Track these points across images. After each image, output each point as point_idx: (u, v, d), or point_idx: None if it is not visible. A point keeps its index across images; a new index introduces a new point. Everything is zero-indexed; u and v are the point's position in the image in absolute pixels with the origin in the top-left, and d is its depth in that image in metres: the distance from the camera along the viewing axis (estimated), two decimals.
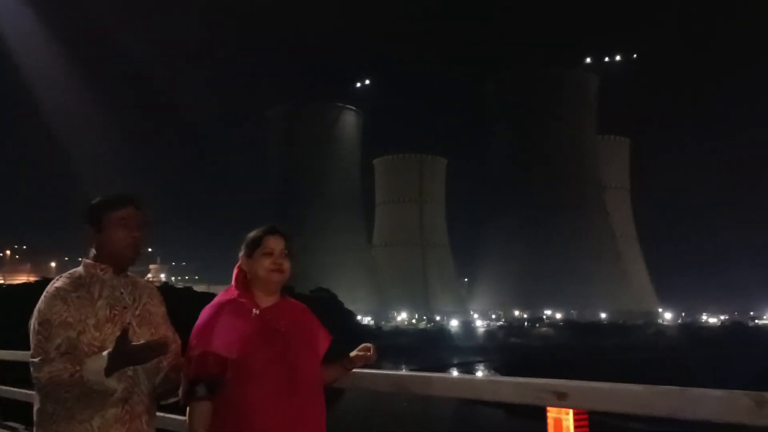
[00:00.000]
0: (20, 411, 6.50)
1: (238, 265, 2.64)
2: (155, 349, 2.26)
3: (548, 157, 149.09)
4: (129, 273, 2.61)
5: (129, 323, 2.43)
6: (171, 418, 3.89)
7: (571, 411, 2.30)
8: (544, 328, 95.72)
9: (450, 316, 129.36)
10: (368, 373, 2.87)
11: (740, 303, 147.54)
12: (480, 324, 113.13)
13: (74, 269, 2.50)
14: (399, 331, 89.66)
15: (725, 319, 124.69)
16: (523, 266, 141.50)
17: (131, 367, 2.36)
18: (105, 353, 2.18)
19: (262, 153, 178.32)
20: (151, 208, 2.64)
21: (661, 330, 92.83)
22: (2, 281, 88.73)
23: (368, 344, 2.81)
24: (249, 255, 2.60)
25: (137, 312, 2.51)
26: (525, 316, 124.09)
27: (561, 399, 2.24)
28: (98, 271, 2.48)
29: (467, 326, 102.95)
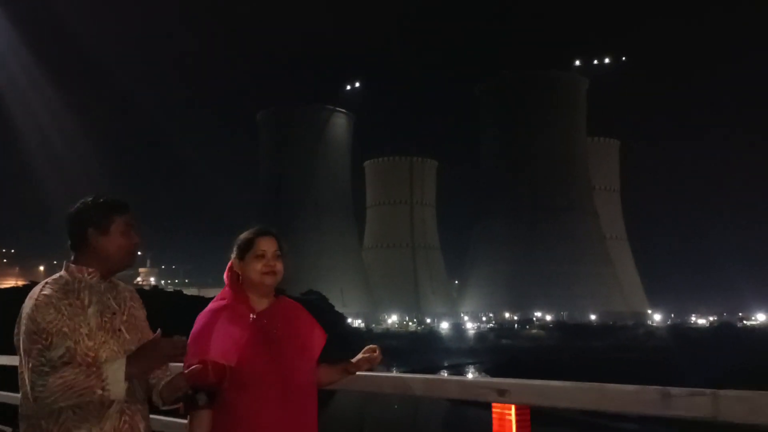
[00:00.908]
0: (8, 414, 6.46)
1: (228, 267, 2.61)
2: (175, 349, 2.25)
3: (538, 159, 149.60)
4: (112, 278, 2.53)
5: (120, 330, 2.38)
6: (167, 421, 3.89)
7: (513, 406, 2.53)
8: (534, 330, 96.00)
9: (441, 318, 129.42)
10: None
11: (729, 304, 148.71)
12: (470, 326, 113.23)
13: (58, 274, 2.40)
14: (389, 334, 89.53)
15: (714, 320, 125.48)
16: (513, 268, 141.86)
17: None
18: (123, 360, 2.17)
19: (252, 156, 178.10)
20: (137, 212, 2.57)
21: (651, 331, 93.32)
22: None
23: (373, 345, 2.78)
24: (241, 257, 2.57)
25: (125, 317, 2.44)
26: (515, 317, 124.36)
27: (501, 396, 2.47)
28: (85, 275, 2.39)
29: (458, 328, 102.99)
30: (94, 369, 2.15)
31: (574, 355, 52.76)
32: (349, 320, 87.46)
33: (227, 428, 2.38)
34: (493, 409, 2.60)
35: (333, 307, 65.41)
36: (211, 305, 2.55)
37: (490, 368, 52.77)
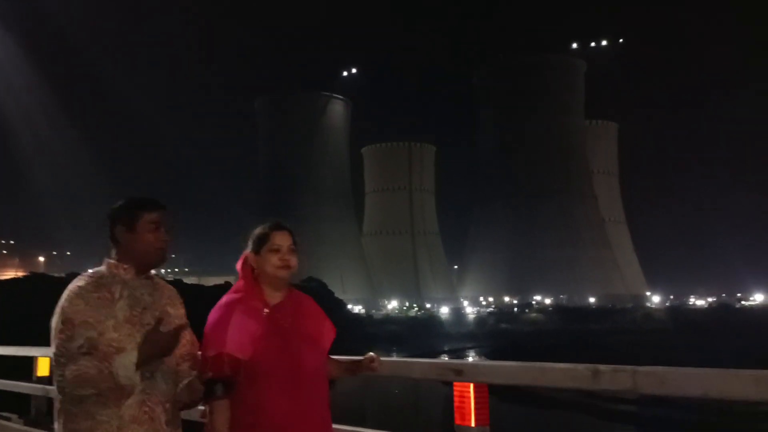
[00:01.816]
0: (14, 402, 6.52)
1: (242, 259, 2.67)
2: (176, 335, 2.33)
3: (536, 143, 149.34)
4: (152, 274, 2.63)
5: (149, 325, 2.43)
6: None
7: (471, 385, 2.85)
8: (533, 314, 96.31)
9: (440, 303, 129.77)
10: None
11: (728, 285, 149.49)
12: (470, 311, 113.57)
13: (97, 268, 2.51)
14: (389, 319, 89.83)
15: (713, 301, 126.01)
16: (512, 252, 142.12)
17: (149, 369, 2.39)
18: (134, 350, 2.24)
19: (250, 143, 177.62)
20: (174, 213, 2.66)
21: (649, 313, 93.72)
22: None
23: (373, 355, 2.89)
24: (256, 251, 2.64)
25: (156, 314, 2.50)
26: (515, 302, 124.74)
27: (458, 375, 2.75)
28: (120, 271, 2.49)
29: (457, 313, 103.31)
30: (106, 363, 2.24)
31: (573, 339, 53.04)
32: (349, 306, 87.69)
33: (240, 419, 2.45)
34: (455, 388, 2.90)
35: (333, 293, 65.56)
36: (225, 298, 2.61)
37: (489, 352, 53.06)
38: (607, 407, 19.48)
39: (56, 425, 2.41)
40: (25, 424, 5.97)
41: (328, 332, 2.73)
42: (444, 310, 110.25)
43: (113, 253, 2.53)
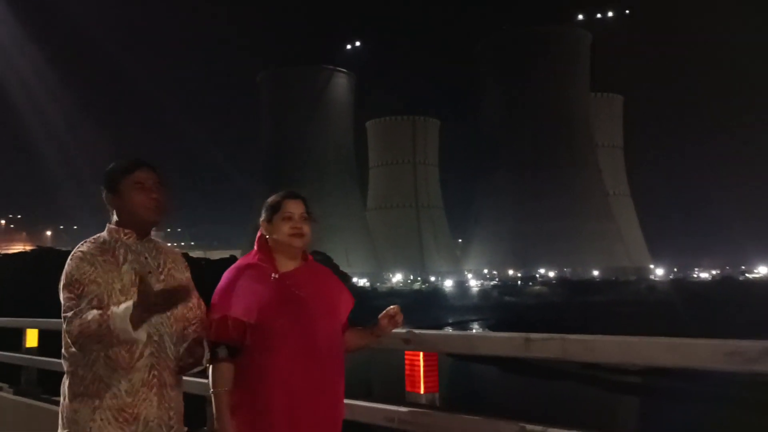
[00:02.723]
0: (6, 373, 6.64)
1: (261, 229, 2.66)
2: (175, 294, 2.26)
3: (540, 115, 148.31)
4: (154, 239, 2.60)
5: (149, 272, 2.42)
6: (195, 382, 4.01)
7: (421, 353, 2.98)
8: (537, 287, 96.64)
9: (444, 276, 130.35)
10: None
11: (732, 257, 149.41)
12: (474, 284, 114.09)
13: (98, 234, 2.49)
14: (394, 292, 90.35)
15: (717, 273, 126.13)
16: (516, 225, 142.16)
17: (157, 333, 2.38)
18: (130, 302, 2.18)
19: (254, 118, 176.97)
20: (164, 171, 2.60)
21: (653, 285, 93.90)
22: None
23: (395, 306, 2.80)
24: (269, 220, 2.62)
25: (162, 277, 2.49)
26: (519, 275, 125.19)
27: (407, 344, 2.88)
28: (122, 235, 2.47)
29: (461, 286, 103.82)
30: (106, 316, 2.20)
31: (576, 311, 53.27)
32: (354, 280, 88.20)
33: (251, 387, 2.42)
34: (406, 356, 3.04)
35: (338, 267, 65.85)
36: (237, 262, 2.60)
37: (493, 324, 53.39)
38: (612, 379, 19.63)
39: (63, 388, 2.40)
40: (15, 394, 6.07)
41: (345, 303, 2.69)
42: (448, 283, 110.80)
43: (113, 219, 2.51)
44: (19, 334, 6.46)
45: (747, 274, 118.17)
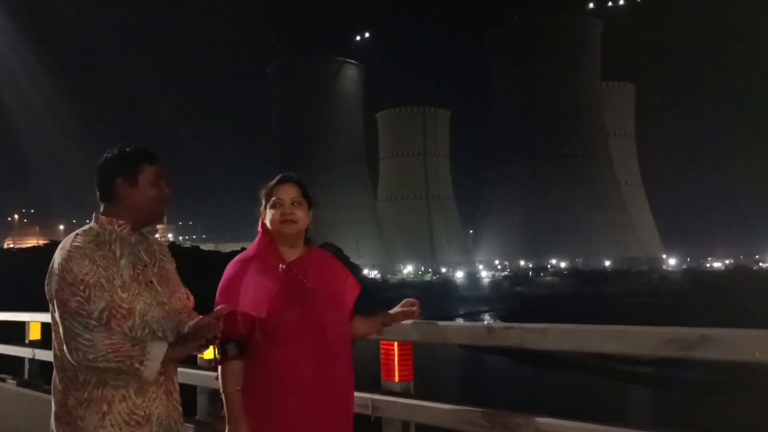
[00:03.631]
0: (10, 365, 6.75)
1: (261, 217, 2.57)
2: (205, 331, 2.24)
3: (551, 105, 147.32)
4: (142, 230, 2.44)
5: (151, 282, 2.32)
6: (194, 374, 4.03)
7: (395, 342, 3.05)
8: (549, 277, 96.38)
9: (455, 267, 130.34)
10: None
11: (745, 247, 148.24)
12: (485, 275, 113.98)
13: (88, 225, 2.31)
14: (405, 284, 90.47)
15: (730, 263, 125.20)
16: (527, 216, 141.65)
17: (161, 329, 2.27)
18: (165, 346, 2.15)
19: (264, 109, 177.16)
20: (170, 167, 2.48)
21: (665, 275, 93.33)
22: (12, 245, 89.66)
23: (413, 299, 2.76)
24: (265, 207, 2.52)
25: (156, 270, 2.36)
26: (530, 265, 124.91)
27: (379, 333, 2.85)
28: (116, 227, 2.30)
29: (473, 277, 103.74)
30: (140, 344, 2.13)
31: (588, 302, 53.08)
32: (365, 271, 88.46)
33: (262, 381, 2.34)
34: (381, 346, 3.10)
35: (348, 258, 66.02)
36: (240, 255, 2.51)
37: (504, 315, 53.28)
38: (622, 369, 19.57)
39: (55, 392, 2.23)
40: (18, 385, 6.14)
41: (351, 289, 2.59)
42: (459, 275, 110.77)
43: (103, 208, 2.33)
44: (22, 327, 6.53)
45: (761, 263, 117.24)
